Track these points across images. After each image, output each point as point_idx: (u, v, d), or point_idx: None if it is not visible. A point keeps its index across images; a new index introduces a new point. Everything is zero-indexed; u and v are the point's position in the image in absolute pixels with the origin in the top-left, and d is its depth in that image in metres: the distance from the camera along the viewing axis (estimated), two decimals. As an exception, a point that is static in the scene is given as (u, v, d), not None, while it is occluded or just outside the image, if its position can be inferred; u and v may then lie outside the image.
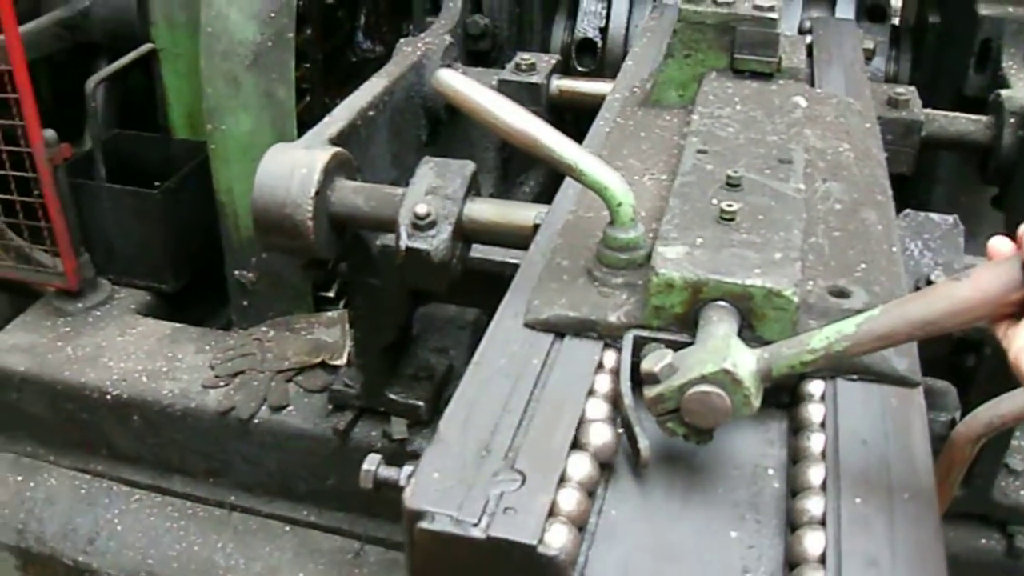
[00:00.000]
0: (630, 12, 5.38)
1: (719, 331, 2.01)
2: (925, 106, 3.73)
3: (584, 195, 2.62)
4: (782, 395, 2.13)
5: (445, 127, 4.41)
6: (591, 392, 2.07)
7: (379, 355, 3.78)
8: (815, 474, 1.89)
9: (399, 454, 3.83)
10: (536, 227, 2.80)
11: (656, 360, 1.91)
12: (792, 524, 1.83)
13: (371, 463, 2.31)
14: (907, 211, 3.15)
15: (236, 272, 4.58)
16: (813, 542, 1.75)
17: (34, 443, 4.57)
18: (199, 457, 4.29)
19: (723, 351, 1.87)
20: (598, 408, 2.03)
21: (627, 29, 5.37)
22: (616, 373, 2.12)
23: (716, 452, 2.01)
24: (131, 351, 4.48)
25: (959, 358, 3.26)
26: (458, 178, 3.04)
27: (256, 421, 4.11)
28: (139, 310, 4.83)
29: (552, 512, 1.76)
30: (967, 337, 3.16)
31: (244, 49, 4.16)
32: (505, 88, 4.10)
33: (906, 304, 1.81)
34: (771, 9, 3.14)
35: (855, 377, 2.11)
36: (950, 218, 3.16)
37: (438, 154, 3.31)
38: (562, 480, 1.83)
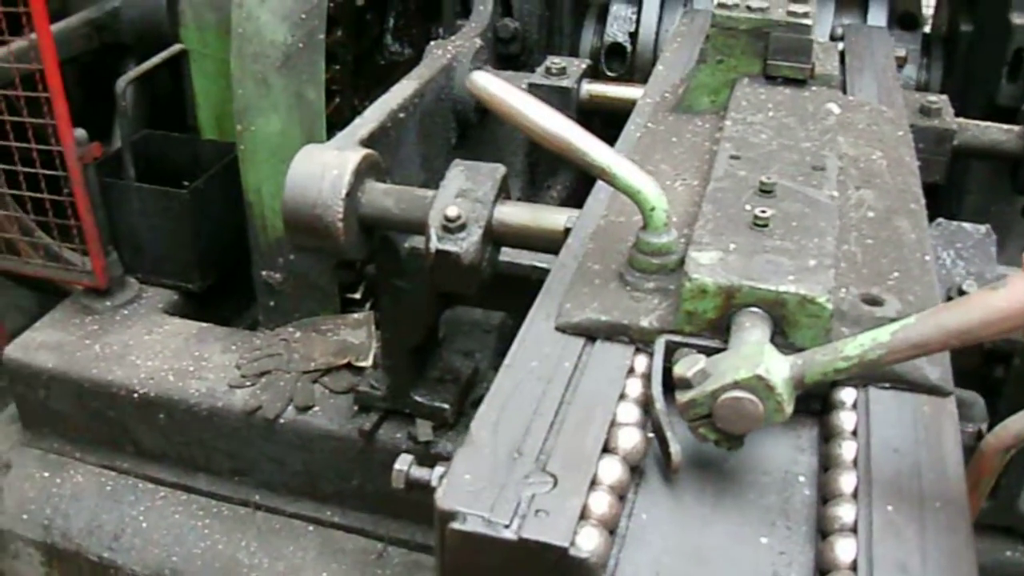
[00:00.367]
0: (660, 17, 5.37)
1: (752, 337, 2.01)
2: (956, 115, 3.71)
3: (615, 199, 2.62)
4: (813, 402, 2.12)
5: (474, 130, 4.42)
6: (622, 396, 2.07)
7: (405, 357, 3.77)
8: (847, 481, 1.89)
9: (424, 456, 3.81)
10: (567, 231, 2.79)
11: (689, 365, 1.92)
12: (823, 531, 1.83)
13: (403, 463, 2.32)
14: (939, 220, 3.13)
15: (263, 272, 4.57)
16: (844, 549, 1.75)
17: (61, 440, 4.59)
18: (224, 456, 4.30)
19: (756, 357, 1.87)
20: (629, 412, 2.02)
21: (657, 34, 5.36)
22: (647, 378, 2.11)
23: (747, 458, 2.01)
24: (158, 350, 4.49)
25: (988, 369, 3.24)
26: (488, 181, 3.05)
27: (282, 421, 4.11)
28: (166, 309, 4.83)
29: (583, 515, 1.76)
30: (996, 348, 3.15)
31: (275, 51, 4.16)
32: (535, 92, 4.04)
33: (941, 313, 1.79)
34: (805, 15, 3.13)
35: (887, 385, 2.10)
36: (982, 227, 3.14)
37: (466, 157, 3.31)
38: (593, 483, 1.83)
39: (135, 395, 4.30)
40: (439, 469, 2.02)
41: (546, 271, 2.55)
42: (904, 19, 5.21)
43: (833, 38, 4.55)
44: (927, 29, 5.51)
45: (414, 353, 3.78)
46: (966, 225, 3.16)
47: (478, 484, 1.81)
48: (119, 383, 4.34)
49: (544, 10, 5.30)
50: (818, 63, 3.25)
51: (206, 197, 4.92)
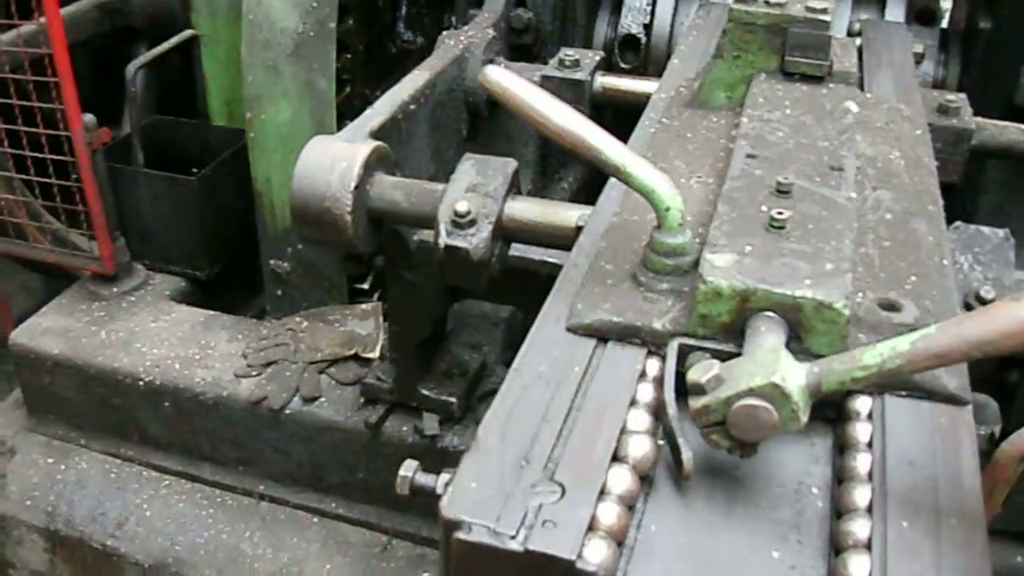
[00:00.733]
0: (675, 9, 5.32)
1: (767, 343, 1.98)
2: (974, 114, 3.67)
3: (629, 197, 2.59)
4: (828, 409, 2.09)
5: (485, 122, 4.39)
6: (633, 402, 2.04)
7: (413, 350, 3.75)
8: (861, 495, 1.85)
9: (430, 450, 3.82)
10: (579, 228, 2.76)
11: (703, 371, 1.88)
12: (836, 547, 1.80)
13: (408, 469, 2.28)
14: (957, 224, 3.10)
15: (271, 262, 4.56)
16: (858, 566, 1.71)
17: (66, 426, 4.58)
18: (230, 446, 4.29)
19: (772, 364, 1.84)
20: (640, 419, 1.99)
21: (672, 26, 5.32)
22: (660, 382, 2.08)
23: (759, 468, 1.98)
24: (164, 337, 4.48)
25: (1003, 373, 3.21)
26: (499, 176, 3.02)
27: (287, 412, 4.10)
28: (173, 296, 4.83)
29: (592, 526, 1.73)
30: (1012, 353, 3.11)
31: (285, 38, 4.14)
32: (548, 84, 4.08)
33: (963, 323, 1.76)
34: (824, 11, 3.08)
35: (903, 393, 2.07)
36: (1001, 232, 3.10)
37: (477, 149, 3.28)
38: (602, 493, 1.80)
39: (141, 382, 4.29)
40: (444, 476, 2.00)
41: (556, 266, 2.54)
42: (922, 14, 5.16)
43: (851, 33, 4.53)
44: (944, 24, 5.45)
45: (421, 346, 3.75)
46: (984, 229, 3.12)
47: (484, 493, 1.78)
48: (125, 370, 4.33)
49: (558, 0, 5.26)
50: (836, 60, 3.21)
51: (215, 184, 4.91)
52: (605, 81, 4.22)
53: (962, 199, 4.56)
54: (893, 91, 3.47)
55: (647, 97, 3.49)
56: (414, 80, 3.86)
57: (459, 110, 4.26)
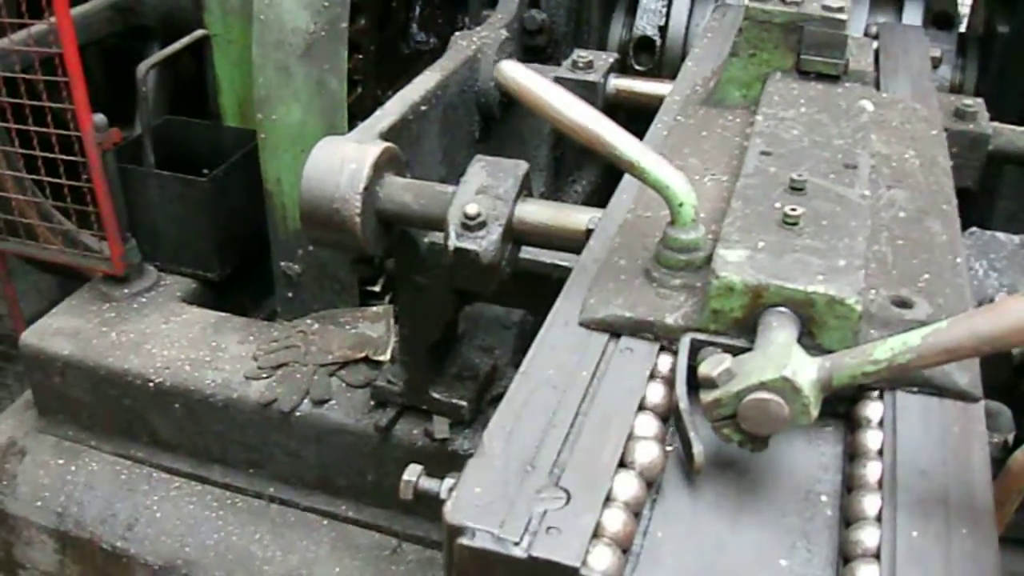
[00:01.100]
0: (691, 10, 5.32)
1: (779, 338, 1.98)
2: (991, 119, 3.64)
3: (643, 193, 2.59)
4: (839, 404, 2.08)
5: (497, 124, 4.38)
6: (641, 407, 2.02)
7: (424, 353, 3.74)
8: (870, 504, 1.84)
9: (440, 453, 3.81)
10: (589, 231, 2.75)
11: (714, 364, 1.89)
12: (845, 556, 1.78)
13: (411, 474, 2.28)
14: (973, 229, 3.09)
15: (282, 263, 4.56)
16: None
17: (76, 427, 4.58)
18: (239, 448, 4.28)
19: (783, 358, 1.85)
20: (648, 424, 1.97)
21: (687, 28, 5.31)
22: (671, 378, 2.08)
23: (767, 474, 1.96)
24: (175, 339, 4.47)
25: (1017, 380, 3.19)
26: (510, 178, 3.01)
27: (297, 414, 4.09)
28: (184, 297, 4.82)
29: (597, 533, 1.72)
30: (1027, 360, 3.10)
31: (297, 38, 4.14)
32: (562, 86, 4.05)
33: (974, 318, 1.76)
34: (840, 10, 3.08)
35: (914, 389, 2.06)
36: (1016, 238, 3.10)
37: (489, 151, 3.28)
38: (608, 499, 1.79)
39: (151, 384, 4.29)
40: (448, 481, 1.98)
41: (567, 270, 2.53)
42: (940, 18, 5.14)
43: (867, 36, 4.50)
44: (962, 29, 5.43)
45: (432, 349, 3.74)
46: (1000, 235, 3.11)
47: (488, 498, 1.77)
48: (135, 372, 4.32)
49: (572, 2, 5.25)
50: (852, 59, 3.21)
51: (226, 185, 4.91)
52: (619, 83, 4.21)
53: (978, 205, 4.53)
54: (909, 94, 3.45)
55: (661, 99, 3.49)
56: (425, 81, 3.85)
57: (471, 111, 4.25)
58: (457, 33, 4.44)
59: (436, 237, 3.24)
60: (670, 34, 5.35)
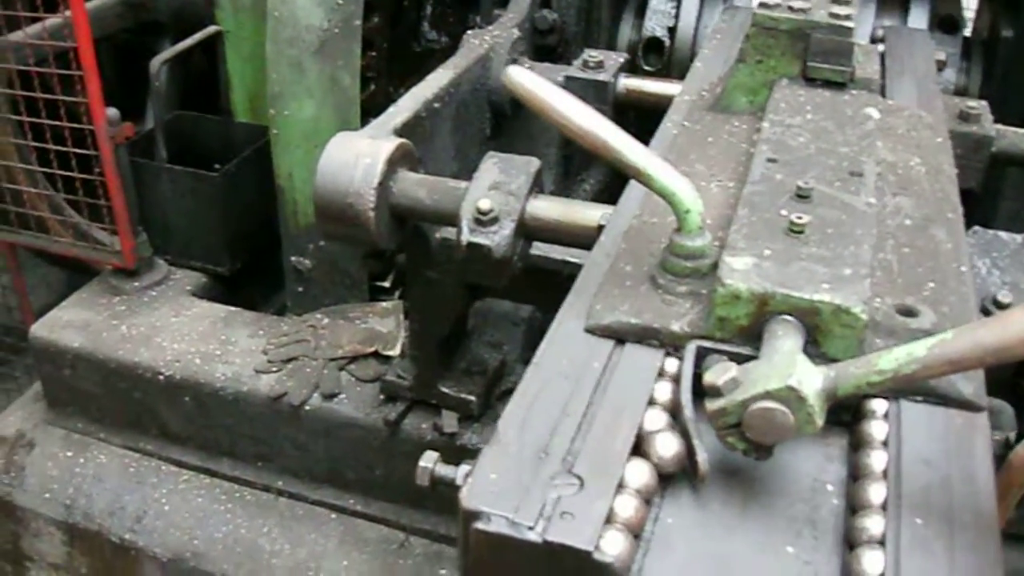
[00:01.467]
0: (700, 12, 5.33)
1: (784, 346, 1.97)
2: (995, 121, 3.67)
3: (649, 199, 2.59)
4: (843, 413, 2.08)
5: (508, 121, 4.39)
6: (652, 400, 2.04)
7: (433, 348, 3.76)
8: (876, 492, 1.86)
9: (449, 447, 3.83)
10: (601, 228, 2.77)
11: (719, 373, 1.89)
12: (850, 542, 1.80)
13: (428, 460, 2.30)
14: (975, 228, 3.09)
15: (293, 258, 4.57)
16: (871, 562, 1.72)
17: (85, 420, 4.60)
18: (249, 441, 4.30)
19: (788, 367, 1.85)
20: (658, 416, 1.99)
21: (696, 29, 5.33)
22: (677, 382, 2.08)
23: (775, 465, 1.97)
24: (185, 332, 4.49)
25: (1019, 378, 3.21)
26: (522, 175, 3.03)
27: (307, 408, 4.11)
28: (194, 291, 4.84)
29: (609, 518, 1.74)
30: (1027, 360, 3.11)
31: (310, 35, 4.15)
32: (572, 85, 4.09)
33: (979, 329, 1.75)
34: (847, 17, 3.07)
35: (919, 398, 2.06)
36: (1019, 237, 3.10)
37: (500, 148, 3.29)
38: (620, 486, 1.81)
39: (161, 377, 4.30)
40: (464, 468, 2.00)
41: (577, 266, 2.54)
42: (945, 22, 5.16)
43: (873, 40, 4.51)
44: (967, 33, 5.44)
45: (442, 344, 3.77)
46: (1002, 234, 3.12)
47: (503, 484, 1.79)
48: (145, 365, 4.34)
49: (583, 2, 5.27)
50: (858, 66, 3.20)
51: (237, 180, 4.92)
52: (628, 83, 4.23)
53: (981, 205, 4.56)
54: (915, 98, 3.46)
55: (670, 100, 3.49)
56: (438, 79, 3.88)
57: (483, 109, 4.27)
58: (469, 32, 4.46)
59: (448, 233, 3.26)
60: (679, 35, 5.37)
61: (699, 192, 2.31)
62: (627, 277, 2.35)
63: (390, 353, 4.19)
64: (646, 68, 5.45)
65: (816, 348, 2.06)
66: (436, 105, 3.73)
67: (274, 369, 4.24)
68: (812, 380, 1.82)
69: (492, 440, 1.92)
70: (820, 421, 1.82)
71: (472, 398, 3.82)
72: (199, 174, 4.90)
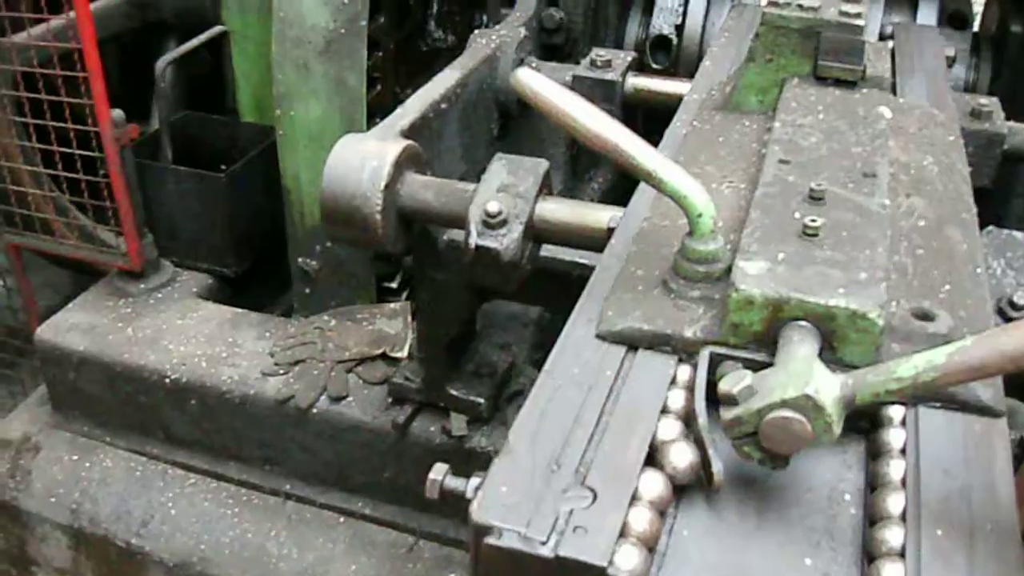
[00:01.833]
0: (707, 9, 5.31)
1: (800, 352, 1.95)
2: (1005, 118, 3.63)
3: (659, 201, 2.57)
4: (861, 420, 2.06)
5: (516, 121, 4.37)
6: (665, 409, 2.02)
7: (441, 350, 3.73)
8: (894, 503, 1.83)
9: (458, 451, 3.81)
10: (611, 230, 2.74)
11: (735, 381, 1.86)
12: (870, 554, 1.78)
13: (438, 473, 2.26)
14: (990, 228, 3.07)
15: (299, 259, 4.55)
16: (892, 575, 1.70)
17: (91, 423, 4.58)
18: (256, 444, 4.28)
19: (805, 375, 1.82)
20: (672, 426, 1.97)
21: (704, 27, 5.30)
22: (691, 389, 2.05)
23: (792, 474, 1.95)
24: (191, 335, 4.47)
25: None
26: (531, 176, 3.00)
27: (314, 411, 4.08)
28: (201, 293, 4.82)
29: (623, 532, 1.72)
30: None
31: (316, 35, 4.13)
32: (580, 84, 4.07)
33: (1000, 336, 1.73)
34: (858, 16, 3.05)
35: (937, 405, 2.04)
36: (1034, 236, 3.08)
37: (508, 149, 3.27)
38: (634, 498, 1.78)
39: (167, 380, 4.28)
40: (475, 480, 1.97)
41: (587, 268, 2.54)
42: (954, 18, 5.13)
43: (882, 37, 4.49)
44: (975, 28, 5.42)
45: (450, 346, 3.74)
46: (1017, 234, 3.10)
47: (515, 497, 1.77)
48: (151, 367, 4.32)
49: (590, 0, 5.24)
50: (869, 65, 3.18)
51: (243, 181, 4.90)
52: (637, 82, 4.21)
53: (993, 204, 4.52)
54: (925, 95, 3.44)
55: (679, 98, 3.49)
56: (445, 79, 3.86)
57: (490, 110, 4.25)
58: (476, 31, 4.45)
59: (455, 235, 3.24)
60: (687, 33, 5.34)
61: (710, 193, 2.29)
62: (638, 282, 2.33)
63: (398, 355, 4.17)
64: (654, 66, 5.42)
65: (832, 354, 2.05)
66: (443, 106, 3.71)
67: (281, 372, 4.21)
68: (830, 388, 1.80)
69: (503, 451, 1.89)
70: (838, 430, 1.80)
71: (481, 400, 3.79)
72: (204, 175, 4.88)
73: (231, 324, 4.55)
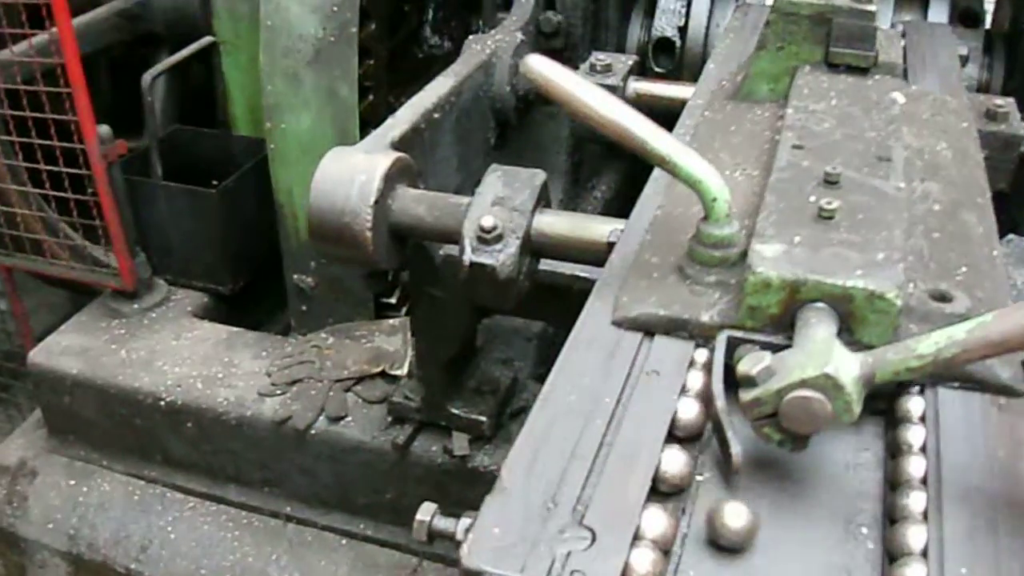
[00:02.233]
0: (711, 11, 5.24)
1: (818, 334, 1.96)
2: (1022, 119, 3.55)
3: (672, 188, 2.59)
4: (879, 401, 2.04)
5: (514, 130, 4.30)
6: (670, 436, 1.94)
7: (441, 367, 3.67)
8: (915, 501, 1.79)
9: (460, 470, 3.76)
10: (611, 244, 2.69)
11: (753, 362, 1.87)
12: (891, 555, 1.73)
13: (425, 513, 2.19)
14: (1011, 237, 3.05)
15: (295, 276, 4.52)
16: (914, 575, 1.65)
17: (87, 447, 4.53)
18: (254, 466, 4.22)
19: (824, 355, 1.83)
20: (676, 457, 1.88)
21: (707, 29, 5.24)
22: (703, 394, 2.03)
23: (809, 457, 1.92)
24: (186, 355, 4.42)
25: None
26: (527, 188, 2.92)
27: (313, 432, 4.03)
28: (196, 312, 4.77)
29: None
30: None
31: (305, 45, 4.08)
32: (581, 88, 3.97)
33: (1020, 311, 1.75)
34: (869, 1, 3.06)
35: (955, 385, 2.03)
36: (1055, 246, 3.04)
37: (506, 158, 3.22)
38: (636, 538, 1.69)
39: (162, 403, 4.23)
40: (465, 520, 1.88)
41: (588, 282, 2.50)
42: (966, 15, 5.05)
43: (894, 34, 4.42)
44: (987, 26, 5.34)
45: (450, 363, 3.69)
46: None
47: (508, 539, 1.68)
48: (146, 390, 4.27)
49: (589, 3, 5.16)
50: (881, 51, 3.16)
51: (236, 196, 4.86)
52: (639, 87, 4.11)
53: (1011, 209, 4.44)
54: (939, 91, 3.38)
55: (682, 103, 3.44)
56: (438, 87, 3.77)
57: (486, 118, 4.17)
58: (471, 36, 4.37)
59: (452, 249, 3.15)
60: (690, 35, 5.28)
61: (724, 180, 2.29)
62: (654, 268, 2.34)
63: (398, 373, 4.11)
64: (657, 70, 5.35)
65: (850, 335, 2.06)
66: (436, 115, 3.63)
67: (278, 392, 4.16)
68: (849, 367, 1.81)
69: (495, 488, 1.80)
70: (858, 409, 1.81)
71: (483, 419, 3.73)
72: (196, 191, 4.84)
73: (227, 344, 4.50)
